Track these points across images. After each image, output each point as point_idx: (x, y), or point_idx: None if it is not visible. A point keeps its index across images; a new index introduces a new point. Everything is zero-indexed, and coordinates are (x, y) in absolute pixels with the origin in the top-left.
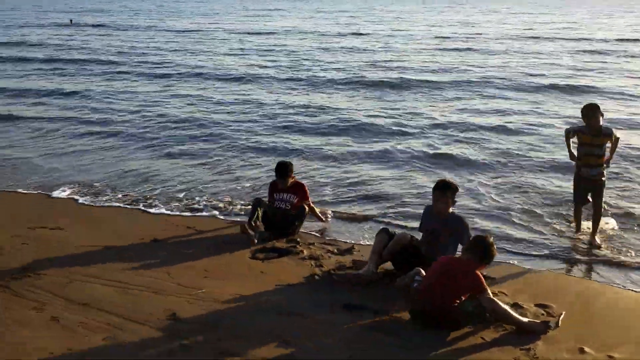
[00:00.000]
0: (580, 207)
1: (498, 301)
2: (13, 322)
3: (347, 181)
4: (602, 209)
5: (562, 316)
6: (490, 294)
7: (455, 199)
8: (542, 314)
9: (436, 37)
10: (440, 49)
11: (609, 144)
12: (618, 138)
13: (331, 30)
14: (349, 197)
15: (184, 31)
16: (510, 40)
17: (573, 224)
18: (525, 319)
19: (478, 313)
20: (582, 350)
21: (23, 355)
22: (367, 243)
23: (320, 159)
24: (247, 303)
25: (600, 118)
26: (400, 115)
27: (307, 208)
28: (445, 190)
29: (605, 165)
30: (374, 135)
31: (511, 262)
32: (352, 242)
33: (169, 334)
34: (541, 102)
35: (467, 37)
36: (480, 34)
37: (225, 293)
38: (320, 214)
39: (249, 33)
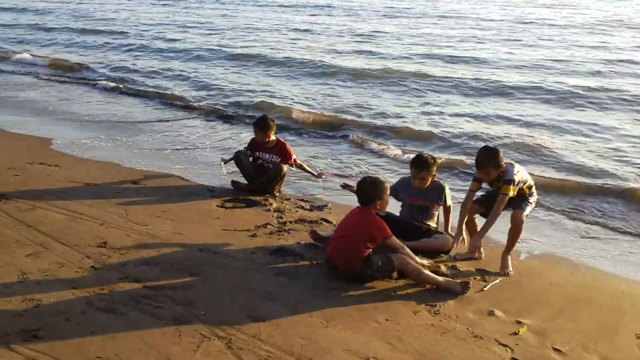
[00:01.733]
0: None
1: (409, 259)
2: None
3: None
4: None
5: (494, 282)
6: (397, 243)
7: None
8: (475, 278)
9: None
10: None
11: None
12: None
13: None
14: None
15: None
16: None
17: None
18: (441, 278)
19: (386, 269)
20: (491, 313)
21: None
22: (345, 203)
23: None
24: (179, 241)
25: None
26: None
27: (284, 167)
28: (420, 168)
29: None
30: None
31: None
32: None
33: (85, 257)
34: None
35: None
36: None
37: (167, 231)
38: (312, 170)
39: None
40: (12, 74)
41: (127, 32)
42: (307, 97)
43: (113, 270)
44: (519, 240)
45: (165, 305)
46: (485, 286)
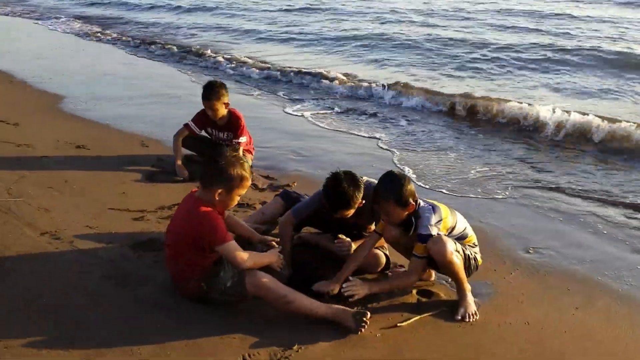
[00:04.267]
0: None
1: (272, 282)
2: None
3: None
4: None
5: (416, 318)
6: (238, 253)
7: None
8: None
9: None
10: None
11: None
12: None
13: None
14: None
15: None
16: None
17: None
18: (324, 309)
19: (236, 293)
20: None
21: None
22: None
23: None
24: (29, 220)
25: None
26: None
27: (240, 146)
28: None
29: None
30: None
31: None
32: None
33: None
34: None
35: None
36: None
37: (33, 206)
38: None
39: None
40: None
41: None
42: None
43: None
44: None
45: None
46: (403, 320)
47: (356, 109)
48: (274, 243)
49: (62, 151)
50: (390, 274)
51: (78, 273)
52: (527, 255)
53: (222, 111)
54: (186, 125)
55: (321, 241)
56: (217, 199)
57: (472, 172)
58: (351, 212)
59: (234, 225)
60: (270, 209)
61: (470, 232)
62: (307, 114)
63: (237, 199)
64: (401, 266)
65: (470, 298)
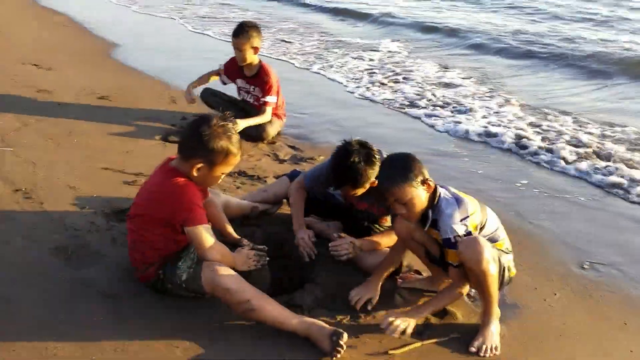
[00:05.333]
0: None
1: (235, 282)
2: None
3: None
4: None
5: (417, 345)
6: (206, 237)
7: None
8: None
9: None
10: None
11: None
12: None
13: None
14: None
15: None
16: None
17: None
18: (295, 322)
19: (190, 289)
20: None
21: None
22: None
23: None
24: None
25: None
26: None
27: (267, 106)
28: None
29: None
30: None
31: None
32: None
33: None
34: None
35: None
36: None
37: (22, 158)
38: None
39: None
40: None
41: None
42: None
43: None
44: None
45: None
46: (399, 347)
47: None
48: (245, 241)
49: (82, 100)
50: (400, 280)
51: (27, 241)
52: (580, 271)
53: (250, 57)
54: (219, 67)
55: (327, 230)
56: (195, 174)
57: None
58: (359, 191)
59: (212, 214)
60: (274, 188)
61: (502, 233)
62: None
63: (219, 177)
64: (416, 271)
65: (495, 327)
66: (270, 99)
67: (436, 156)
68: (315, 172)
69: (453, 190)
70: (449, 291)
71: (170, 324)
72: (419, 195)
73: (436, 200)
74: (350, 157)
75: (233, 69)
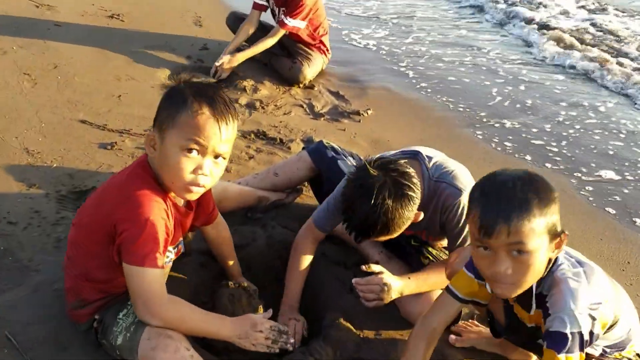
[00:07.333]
0: None
1: (181, 354)
2: None
3: None
4: None
5: None
6: (154, 287)
7: None
8: None
9: None
10: None
11: None
12: None
13: None
14: None
15: None
16: None
17: None
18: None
19: (122, 355)
20: None
21: None
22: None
23: None
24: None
25: None
26: None
27: (284, 29)
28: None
29: None
30: None
31: None
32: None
33: None
34: None
35: None
36: None
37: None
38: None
39: None
40: None
41: None
42: None
43: None
44: None
45: None
46: None
47: None
48: (254, 290)
49: (86, 19)
50: (454, 337)
51: None
52: None
53: None
54: None
55: (359, 245)
56: (151, 155)
57: None
58: (393, 236)
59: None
60: (288, 171)
61: (637, 330)
62: None
63: (178, 154)
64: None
65: None
66: (290, 21)
67: None
68: (330, 206)
69: (573, 252)
70: None
71: None
72: (545, 251)
73: (551, 265)
74: (370, 198)
75: None
